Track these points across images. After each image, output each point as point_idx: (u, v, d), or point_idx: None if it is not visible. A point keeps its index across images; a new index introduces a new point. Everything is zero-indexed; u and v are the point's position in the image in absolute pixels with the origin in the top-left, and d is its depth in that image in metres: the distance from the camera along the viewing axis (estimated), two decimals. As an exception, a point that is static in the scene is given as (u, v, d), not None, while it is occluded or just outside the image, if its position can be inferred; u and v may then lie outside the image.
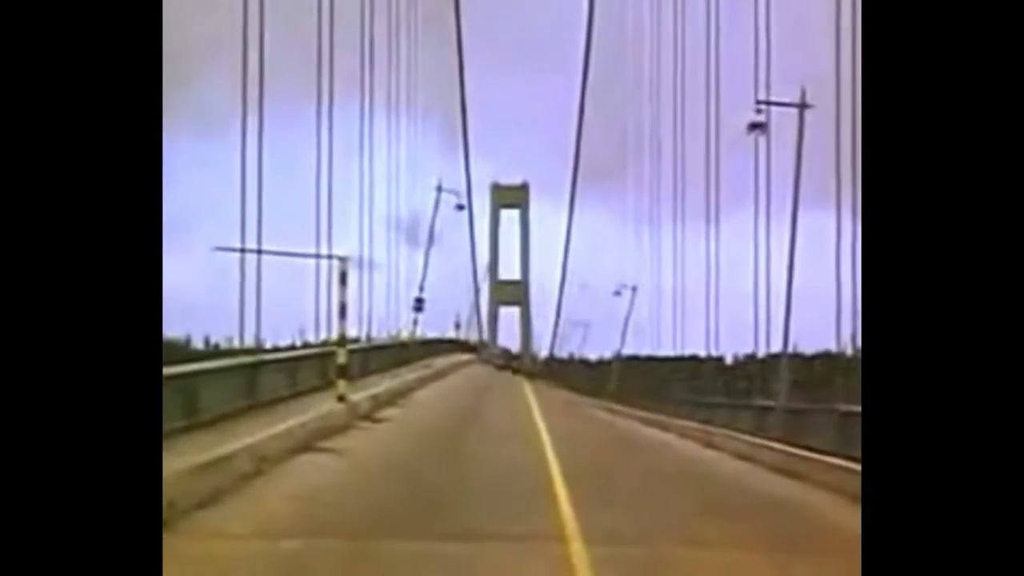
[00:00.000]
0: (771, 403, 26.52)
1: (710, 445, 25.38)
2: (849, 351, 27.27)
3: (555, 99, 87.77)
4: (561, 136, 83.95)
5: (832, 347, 27.86)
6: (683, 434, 29.41)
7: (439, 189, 51.40)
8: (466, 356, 72.55)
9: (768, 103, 29.96)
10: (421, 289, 51.85)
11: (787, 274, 28.23)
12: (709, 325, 39.79)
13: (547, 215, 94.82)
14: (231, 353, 25.10)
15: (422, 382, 40.26)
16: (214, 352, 30.24)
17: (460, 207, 53.76)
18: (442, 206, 52.69)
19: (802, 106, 28.02)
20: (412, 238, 53.27)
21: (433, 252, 54.94)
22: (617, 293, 61.72)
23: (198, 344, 35.24)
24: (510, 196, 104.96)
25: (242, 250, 24.91)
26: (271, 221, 25.51)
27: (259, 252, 24.27)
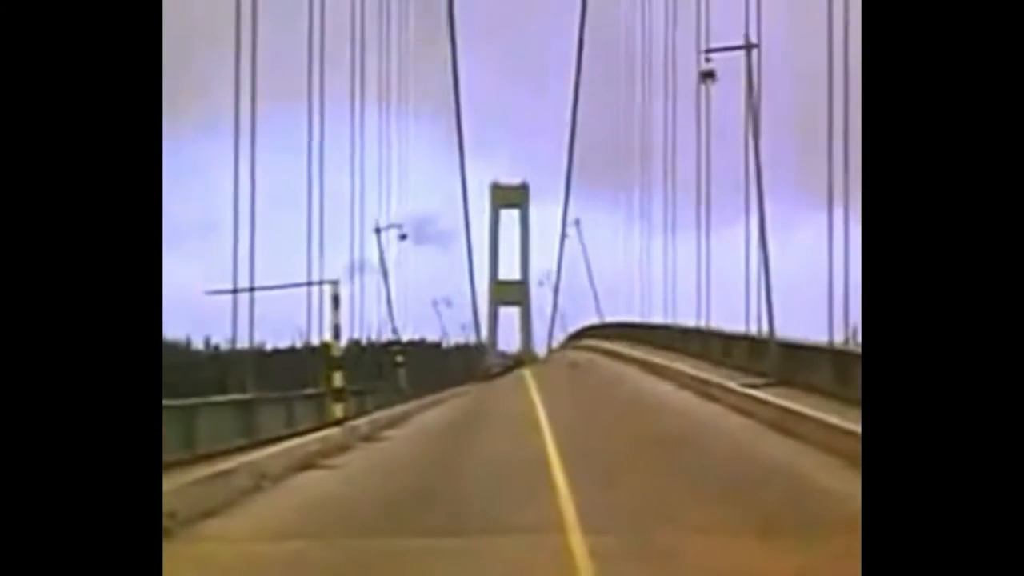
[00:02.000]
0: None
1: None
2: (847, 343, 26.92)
3: (554, 95, 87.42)
4: (561, 133, 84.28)
5: (835, 338, 27.02)
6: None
7: (378, 231, 48.61)
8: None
9: (716, 50, 29.53)
10: (394, 331, 50.48)
11: (759, 232, 28.01)
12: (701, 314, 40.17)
13: (547, 214, 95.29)
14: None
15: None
16: (214, 352, 30.61)
17: (403, 237, 52.21)
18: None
19: (748, 47, 27.89)
20: (419, 240, 53.45)
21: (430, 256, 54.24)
22: (565, 236, 66.60)
23: (198, 345, 35.54)
24: (510, 196, 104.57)
25: (234, 291, 25.34)
26: (261, 247, 25.90)
27: (251, 290, 24.70)
